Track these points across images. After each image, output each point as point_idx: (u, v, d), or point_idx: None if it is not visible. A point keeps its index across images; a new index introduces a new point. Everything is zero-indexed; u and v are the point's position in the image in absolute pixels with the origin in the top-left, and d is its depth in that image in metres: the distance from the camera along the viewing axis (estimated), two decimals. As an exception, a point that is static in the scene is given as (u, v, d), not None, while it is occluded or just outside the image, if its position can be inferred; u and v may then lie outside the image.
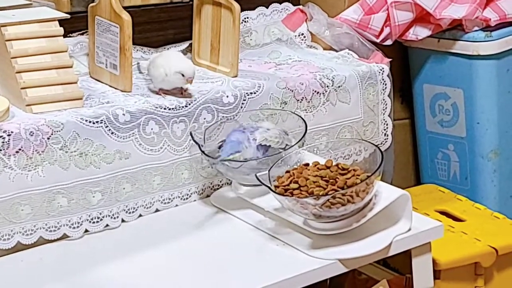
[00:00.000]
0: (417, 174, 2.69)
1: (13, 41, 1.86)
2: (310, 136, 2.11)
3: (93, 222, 1.87)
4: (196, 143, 1.93)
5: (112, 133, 1.87)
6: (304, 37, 2.39)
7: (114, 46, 1.98)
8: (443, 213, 2.33)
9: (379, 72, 2.25)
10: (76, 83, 1.91)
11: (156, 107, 1.93)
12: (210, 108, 2.00)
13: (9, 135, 1.76)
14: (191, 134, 1.96)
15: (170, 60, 1.99)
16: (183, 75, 1.97)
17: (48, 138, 1.79)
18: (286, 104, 2.09)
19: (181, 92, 2.00)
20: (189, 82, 1.98)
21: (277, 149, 1.89)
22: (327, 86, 2.15)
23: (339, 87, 2.17)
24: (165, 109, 1.94)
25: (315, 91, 2.14)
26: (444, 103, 2.53)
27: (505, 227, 2.27)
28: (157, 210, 1.97)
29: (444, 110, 2.54)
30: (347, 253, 1.76)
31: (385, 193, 1.82)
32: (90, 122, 1.84)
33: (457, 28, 2.47)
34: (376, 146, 1.86)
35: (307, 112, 2.12)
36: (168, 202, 1.98)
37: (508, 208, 2.49)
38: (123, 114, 1.88)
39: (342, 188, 1.74)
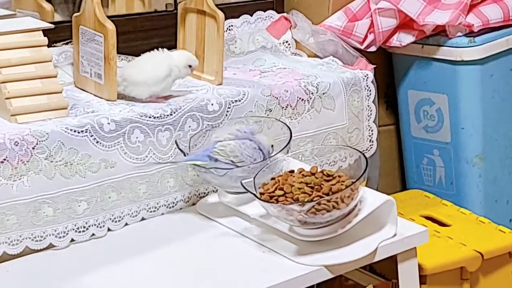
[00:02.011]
0: (403, 180, 2.69)
1: (-3, 52, 1.87)
2: (295, 143, 2.12)
3: (79, 232, 1.87)
4: (181, 151, 1.93)
5: (97, 142, 1.87)
6: (289, 44, 2.39)
7: (98, 56, 1.99)
8: (428, 218, 2.33)
9: (364, 79, 2.25)
10: (60, 92, 1.91)
11: (141, 116, 1.93)
12: (195, 116, 2.00)
13: (-6, 145, 1.76)
14: (176, 142, 1.96)
15: (171, 55, 2.00)
16: (190, 66, 2.01)
17: (33, 148, 1.80)
18: (271, 111, 2.10)
19: (165, 98, 2.01)
20: (192, 71, 2.02)
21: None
22: (312, 93, 2.16)
23: (323, 94, 2.18)
24: (150, 117, 1.94)
25: (300, 98, 2.14)
26: (429, 109, 2.54)
27: (491, 232, 2.27)
28: (143, 219, 1.97)
29: (428, 115, 2.55)
30: (332, 259, 1.77)
31: (370, 199, 1.82)
32: (75, 131, 1.85)
33: (440, 34, 2.48)
34: (361, 152, 1.86)
35: (292, 119, 2.13)
36: (154, 211, 1.98)
37: (493, 213, 2.50)
38: (108, 123, 1.89)
39: (327, 195, 1.75)
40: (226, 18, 2.14)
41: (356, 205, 1.80)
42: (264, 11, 2.39)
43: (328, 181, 1.79)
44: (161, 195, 1.98)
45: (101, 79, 2.00)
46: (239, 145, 1.89)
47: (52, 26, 1.97)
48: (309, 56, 2.38)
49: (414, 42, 2.47)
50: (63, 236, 1.85)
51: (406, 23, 2.44)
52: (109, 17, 2.00)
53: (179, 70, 2.01)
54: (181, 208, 2.01)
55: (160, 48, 2.05)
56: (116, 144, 1.90)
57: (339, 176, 1.80)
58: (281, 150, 1.91)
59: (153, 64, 2.00)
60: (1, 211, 1.77)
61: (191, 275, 1.77)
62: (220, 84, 2.12)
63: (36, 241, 1.82)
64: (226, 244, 1.87)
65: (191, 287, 1.73)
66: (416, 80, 2.54)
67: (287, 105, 2.12)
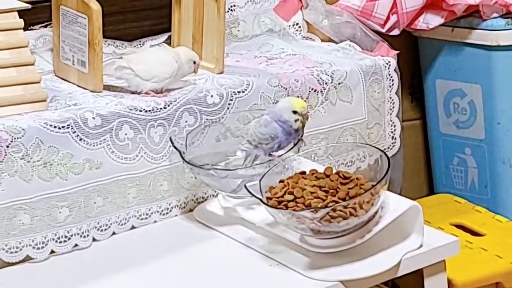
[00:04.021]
0: (430, 183, 2.70)
1: (-34, 36, 1.88)
2: (307, 141, 2.11)
3: (60, 242, 1.88)
4: (177, 149, 1.94)
5: (80, 139, 1.88)
6: (299, 27, 2.40)
7: (82, 40, 1.99)
8: (459, 226, 2.34)
9: (385, 67, 2.26)
10: (38, 82, 1.92)
11: (131, 109, 1.94)
12: (193, 109, 2.01)
13: (-38, 143, 1.78)
14: (171, 139, 1.97)
15: (175, 51, 2.03)
16: (194, 62, 2.03)
17: (7, 146, 1.80)
18: (279, 104, 2.11)
19: (157, 92, 2.02)
20: (196, 71, 2.04)
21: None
22: (326, 83, 2.17)
23: (339, 84, 2.19)
24: (141, 111, 1.95)
25: (312, 89, 2.15)
26: (460, 101, 2.55)
27: (531, 242, 2.29)
28: (133, 227, 1.98)
29: (459, 109, 2.55)
30: (350, 274, 1.77)
31: (392, 204, 1.83)
32: (55, 127, 1.85)
33: (473, 15, 2.48)
34: (382, 151, 1.87)
35: (303, 113, 2.14)
36: (146, 218, 1.99)
37: (534, 221, 2.51)
38: (93, 118, 1.90)
39: (344, 200, 1.75)
40: (227, -3, 2.16)
41: (376, 212, 1.80)
42: (271, -12, 2.40)
43: (344, 184, 1.79)
44: (154, 200, 1.99)
45: (85, 67, 2.00)
46: (254, 126, 1.91)
47: (29, 6, 1.97)
48: (322, 40, 2.39)
49: (443, 25, 2.48)
50: (42, 247, 1.86)
51: (433, 3, 2.45)
52: (94, -4, 2.01)
53: (183, 67, 2.03)
54: (176, 215, 2.02)
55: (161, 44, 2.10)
56: (102, 141, 1.91)
57: (357, 179, 1.81)
58: (291, 149, 1.92)
59: (165, 61, 2.01)
60: (-29, 219, 1.79)
61: (188, 291, 1.78)
62: (221, 72, 2.13)
63: (11, 252, 1.83)
64: (227, 257, 1.87)
65: (188, 305, 1.75)
66: (446, 68, 2.54)
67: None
